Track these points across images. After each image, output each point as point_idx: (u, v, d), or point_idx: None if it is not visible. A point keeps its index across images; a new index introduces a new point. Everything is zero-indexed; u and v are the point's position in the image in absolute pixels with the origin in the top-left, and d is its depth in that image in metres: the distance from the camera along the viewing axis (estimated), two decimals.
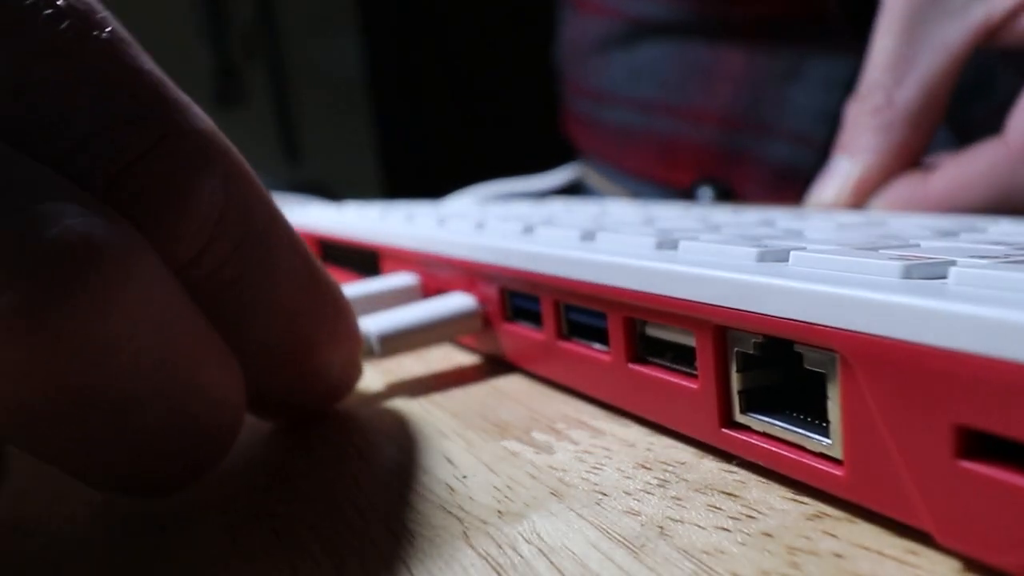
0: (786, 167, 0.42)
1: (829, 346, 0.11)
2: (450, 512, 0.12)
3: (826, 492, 0.11)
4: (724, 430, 0.13)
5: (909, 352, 0.09)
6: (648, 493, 0.12)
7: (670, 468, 0.13)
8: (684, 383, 0.14)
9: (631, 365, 0.15)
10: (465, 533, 0.12)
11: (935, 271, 0.11)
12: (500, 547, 0.11)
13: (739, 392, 0.13)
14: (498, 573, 0.11)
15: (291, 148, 1.60)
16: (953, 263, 0.11)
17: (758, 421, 0.12)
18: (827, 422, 0.11)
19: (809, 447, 0.11)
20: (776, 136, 0.41)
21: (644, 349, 0.15)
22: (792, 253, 0.12)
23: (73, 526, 0.13)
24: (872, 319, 0.10)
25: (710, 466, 0.13)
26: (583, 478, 0.13)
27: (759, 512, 0.11)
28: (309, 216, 0.30)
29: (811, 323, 0.11)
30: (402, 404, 0.18)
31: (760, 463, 0.12)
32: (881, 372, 0.10)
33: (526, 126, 1.35)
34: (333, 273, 0.29)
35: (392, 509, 0.13)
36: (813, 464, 0.11)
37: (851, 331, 0.10)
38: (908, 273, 0.11)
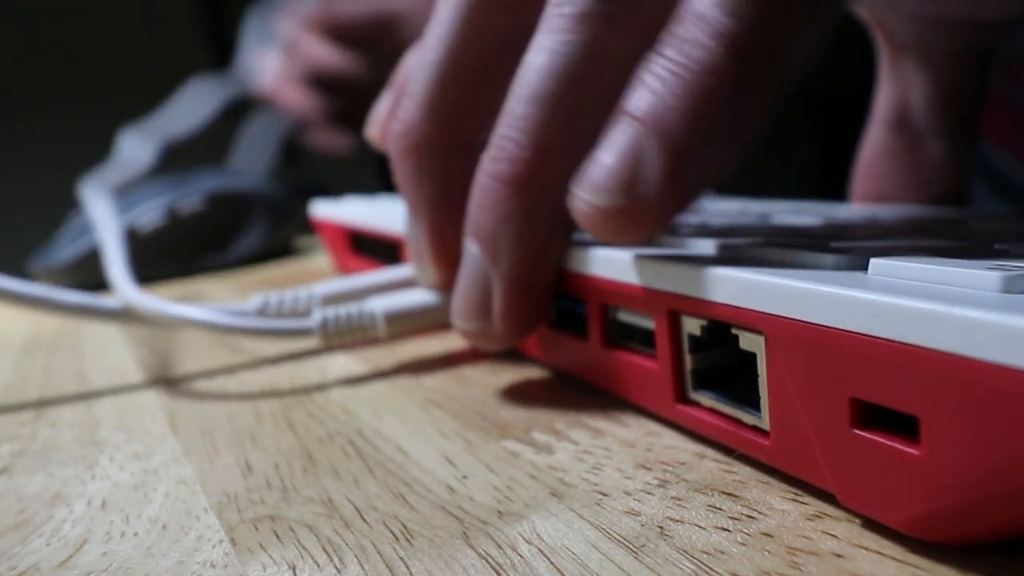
0: None
1: (757, 329, 0.12)
2: (450, 512, 0.12)
3: (756, 459, 0.13)
4: (678, 406, 0.14)
5: (814, 333, 0.11)
6: (648, 493, 0.12)
7: (670, 468, 0.13)
8: (647, 363, 0.15)
9: (605, 348, 0.16)
10: (465, 533, 0.12)
11: (860, 262, 0.12)
12: (500, 547, 0.11)
13: (691, 371, 0.14)
14: (498, 573, 0.11)
15: (290, 148, 1.60)
16: (881, 254, 0.12)
17: (706, 398, 0.13)
18: (758, 398, 0.12)
19: (745, 420, 0.13)
20: None
21: (617, 333, 0.16)
22: (746, 247, 0.14)
23: (74, 526, 0.13)
24: (787, 304, 0.11)
25: (710, 466, 0.13)
26: (583, 478, 0.13)
27: (759, 512, 0.11)
28: (341, 210, 0.32)
29: (742, 308, 0.12)
30: (402, 404, 0.18)
31: (708, 436, 0.14)
32: (795, 351, 0.11)
33: None
34: (361, 262, 0.30)
35: (392, 509, 0.13)
36: (747, 435, 0.13)
37: (772, 314, 0.11)
38: (836, 264, 0.12)
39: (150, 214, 0.38)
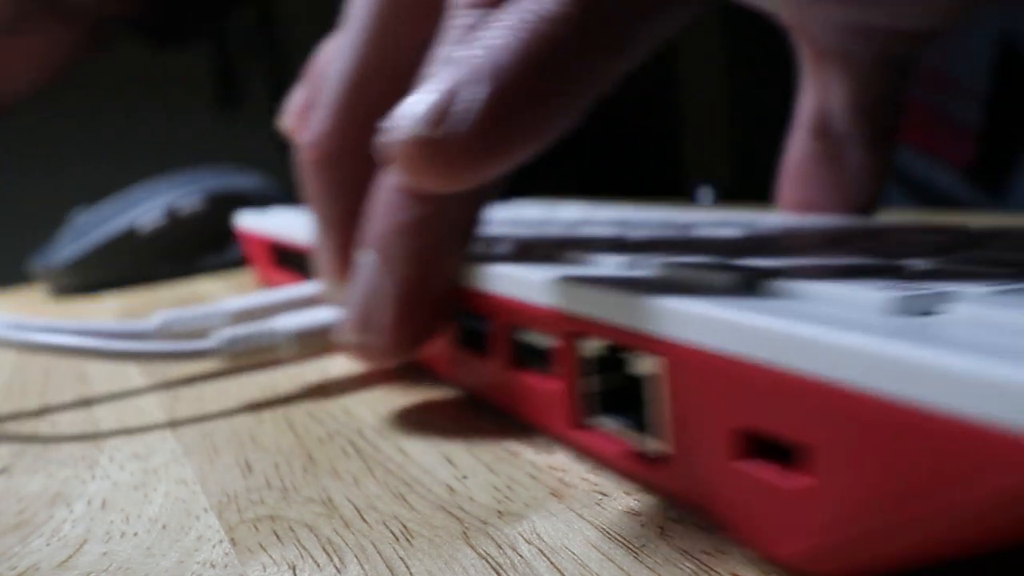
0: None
1: (651, 352, 0.11)
2: (450, 512, 0.12)
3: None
4: (577, 430, 0.13)
5: (704, 358, 0.10)
6: (648, 493, 0.12)
7: None
8: (548, 386, 0.14)
9: (509, 369, 0.15)
10: (465, 533, 0.12)
11: (757, 283, 0.11)
12: (500, 547, 0.11)
13: (591, 395, 0.13)
14: (498, 573, 0.11)
15: (291, 149, 1.59)
16: (785, 272, 0.11)
17: (605, 422, 0.13)
18: (657, 423, 0.12)
19: (644, 447, 0.12)
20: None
21: (521, 354, 0.15)
22: (650, 265, 0.13)
23: (74, 526, 0.13)
24: (676, 327, 0.10)
25: None
26: (583, 478, 0.13)
27: None
28: (264, 222, 0.30)
29: (636, 330, 0.11)
30: (402, 404, 0.18)
31: (607, 463, 0.13)
32: (686, 377, 0.11)
33: None
34: (285, 277, 0.28)
35: (392, 509, 0.13)
36: (646, 464, 0.12)
37: (663, 338, 0.11)
38: (733, 284, 0.11)
39: (150, 214, 0.38)
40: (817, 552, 0.09)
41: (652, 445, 0.12)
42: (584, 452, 0.14)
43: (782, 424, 0.09)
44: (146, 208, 0.38)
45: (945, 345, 0.08)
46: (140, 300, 0.34)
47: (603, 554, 0.11)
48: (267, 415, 0.18)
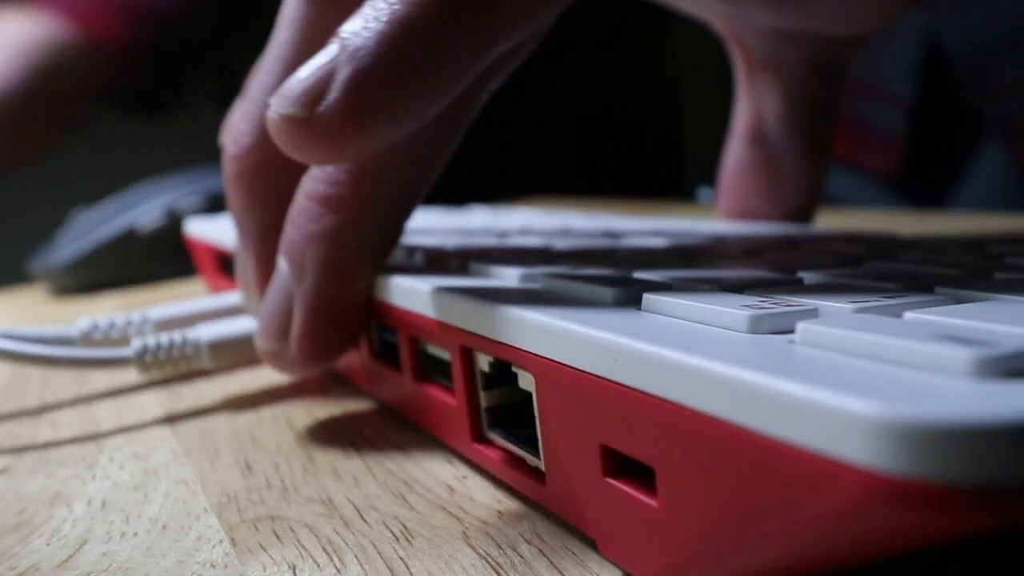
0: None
1: (528, 368, 0.11)
2: (450, 512, 0.12)
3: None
4: (475, 445, 0.13)
5: (570, 375, 0.10)
6: None
7: None
8: (448, 399, 0.14)
9: (416, 381, 0.15)
10: (465, 533, 0.12)
11: (645, 297, 0.11)
12: (500, 547, 0.11)
13: (485, 409, 0.13)
14: (498, 573, 0.11)
15: None
16: (669, 288, 0.11)
17: (499, 437, 0.13)
18: (538, 439, 0.12)
19: (529, 463, 0.12)
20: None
21: (427, 367, 0.15)
22: (551, 277, 0.13)
23: (74, 526, 0.13)
24: (546, 344, 0.10)
25: None
26: None
27: None
28: (209, 229, 0.29)
29: (515, 346, 0.11)
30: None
31: (502, 479, 0.13)
32: (557, 394, 0.11)
33: (521, 134, 1.35)
34: (227, 284, 0.27)
35: (392, 509, 0.13)
36: (530, 479, 0.12)
37: (537, 355, 0.11)
38: (615, 299, 0.11)
39: (150, 214, 0.38)
40: (669, 573, 0.09)
41: (536, 460, 0.12)
42: (482, 467, 0.14)
43: (632, 445, 0.09)
44: (146, 208, 0.38)
45: (775, 369, 0.07)
46: (140, 300, 0.34)
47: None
48: (267, 415, 0.18)
